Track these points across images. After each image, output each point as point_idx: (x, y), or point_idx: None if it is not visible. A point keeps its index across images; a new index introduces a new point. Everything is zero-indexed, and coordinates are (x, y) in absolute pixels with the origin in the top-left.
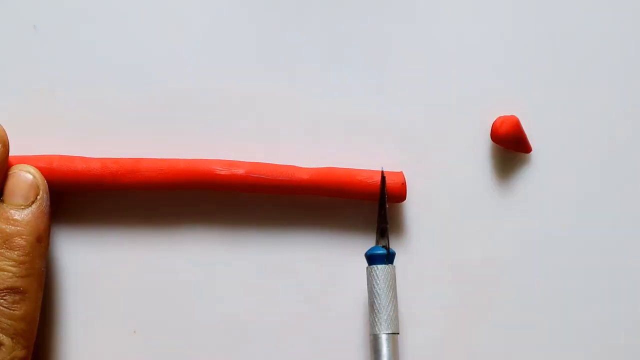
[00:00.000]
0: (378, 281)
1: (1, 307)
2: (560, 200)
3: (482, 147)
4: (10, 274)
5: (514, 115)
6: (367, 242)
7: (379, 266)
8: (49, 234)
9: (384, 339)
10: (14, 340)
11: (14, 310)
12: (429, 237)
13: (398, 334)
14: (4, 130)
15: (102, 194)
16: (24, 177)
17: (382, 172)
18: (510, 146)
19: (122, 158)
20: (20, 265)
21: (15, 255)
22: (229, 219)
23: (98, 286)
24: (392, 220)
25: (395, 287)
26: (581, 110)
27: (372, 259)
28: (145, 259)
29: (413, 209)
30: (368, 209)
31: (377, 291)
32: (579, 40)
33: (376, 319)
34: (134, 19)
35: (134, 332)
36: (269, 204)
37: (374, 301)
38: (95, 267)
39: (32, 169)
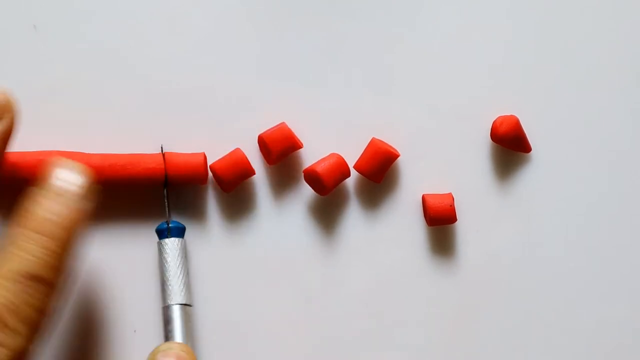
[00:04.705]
0: (167, 254)
1: (25, 294)
2: (560, 200)
3: (482, 147)
4: (42, 262)
5: (514, 115)
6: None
7: (167, 240)
8: (82, 235)
9: (176, 309)
10: (24, 328)
11: (34, 298)
12: (428, 237)
13: (190, 305)
14: (10, 99)
15: (101, 191)
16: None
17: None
18: (510, 146)
19: (121, 154)
20: (52, 255)
21: (52, 245)
22: (230, 216)
23: (97, 284)
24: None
25: (186, 260)
26: (581, 110)
27: (160, 233)
28: (146, 256)
29: (412, 208)
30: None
31: (167, 264)
32: (579, 40)
33: (168, 291)
34: (134, 18)
35: (134, 331)
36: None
37: (165, 274)
38: (94, 265)
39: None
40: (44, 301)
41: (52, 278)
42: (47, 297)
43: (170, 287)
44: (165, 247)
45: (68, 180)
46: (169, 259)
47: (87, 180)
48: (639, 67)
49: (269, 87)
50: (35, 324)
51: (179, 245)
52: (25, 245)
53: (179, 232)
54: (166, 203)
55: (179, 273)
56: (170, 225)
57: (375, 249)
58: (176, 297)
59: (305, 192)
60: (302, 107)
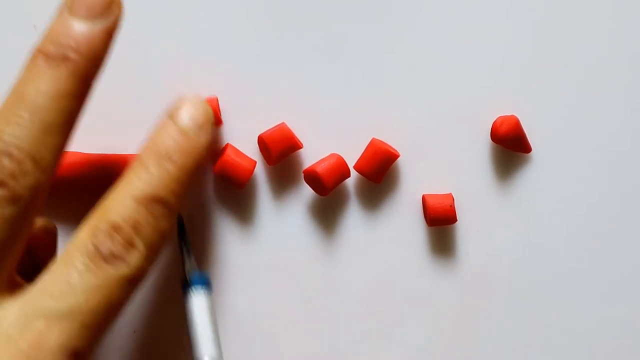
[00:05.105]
0: (194, 311)
1: (147, 215)
2: (561, 200)
3: (482, 147)
4: (164, 185)
5: (514, 115)
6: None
7: (198, 293)
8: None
9: None
10: (145, 248)
11: (156, 220)
12: (428, 237)
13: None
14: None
15: (100, 191)
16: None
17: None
18: (510, 146)
19: (121, 155)
20: (174, 180)
21: (174, 170)
22: (229, 216)
23: None
24: (396, 218)
25: (214, 314)
26: (581, 110)
27: (186, 287)
28: None
29: (412, 208)
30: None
31: (196, 320)
32: (579, 40)
33: (198, 346)
34: (133, 18)
35: (134, 332)
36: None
37: (197, 328)
38: None
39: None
40: (164, 224)
41: (172, 202)
42: (167, 220)
43: (200, 343)
44: (193, 304)
45: (194, 113)
46: (197, 316)
47: (211, 116)
48: (639, 67)
49: (269, 87)
50: (155, 246)
51: (208, 300)
52: (149, 168)
53: (205, 285)
54: (183, 251)
55: (208, 329)
56: (195, 277)
57: (375, 249)
58: (207, 351)
59: (305, 192)
60: (302, 107)
